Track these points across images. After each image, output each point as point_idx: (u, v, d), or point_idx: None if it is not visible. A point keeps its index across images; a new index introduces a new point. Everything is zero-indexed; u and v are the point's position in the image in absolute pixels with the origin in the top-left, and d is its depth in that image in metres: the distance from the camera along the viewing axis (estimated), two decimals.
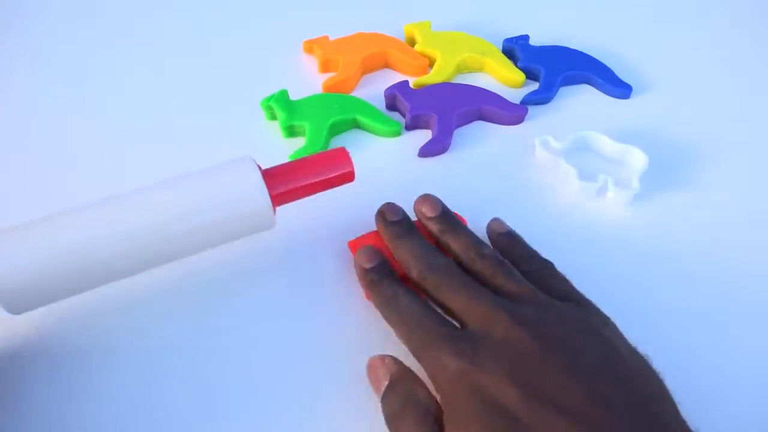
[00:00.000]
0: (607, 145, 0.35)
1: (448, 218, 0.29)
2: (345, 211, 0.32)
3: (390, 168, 0.36)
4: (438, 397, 0.22)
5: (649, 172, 0.34)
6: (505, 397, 0.20)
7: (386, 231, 0.29)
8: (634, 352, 0.23)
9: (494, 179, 0.35)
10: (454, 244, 0.28)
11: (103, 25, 0.49)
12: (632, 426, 0.19)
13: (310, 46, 0.44)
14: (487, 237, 0.30)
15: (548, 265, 0.27)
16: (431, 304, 0.25)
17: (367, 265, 0.28)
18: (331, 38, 0.44)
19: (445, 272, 0.26)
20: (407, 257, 0.27)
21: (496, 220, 0.31)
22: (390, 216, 0.29)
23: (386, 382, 0.23)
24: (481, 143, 0.38)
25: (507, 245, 0.29)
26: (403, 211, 0.30)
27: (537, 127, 0.38)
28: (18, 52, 0.46)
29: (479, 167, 0.36)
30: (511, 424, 0.19)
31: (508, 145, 0.37)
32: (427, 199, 0.30)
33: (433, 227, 0.29)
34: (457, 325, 0.24)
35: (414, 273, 0.26)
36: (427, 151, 0.36)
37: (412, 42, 0.45)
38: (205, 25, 0.49)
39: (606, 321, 0.24)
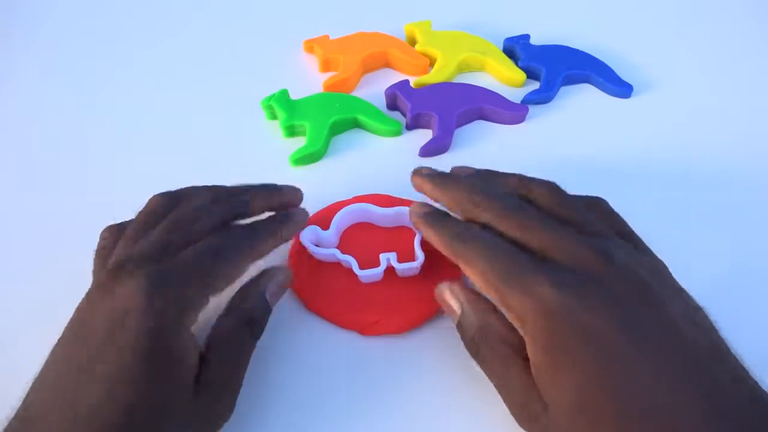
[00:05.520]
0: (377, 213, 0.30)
1: (487, 170, 0.27)
2: None
3: (390, 167, 0.36)
4: (524, 329, 0.21)
5: (651, 170, 0.34)
6: (615, 343, 0.19)
7: (427, 179, 0.27)
8: (698, 304, 0.22)
9: None
10: (505, 184, 0.26)
11: (104, 25, 0.49)
12: (723, 375, 0.19)
13: (310, 46, 0.44)
14: None
15: (603, 204, 0.26)
16: None
17: (424, 209, 0.26)
18: (331, 38, 0.44)
19: (508, 199, 0.24)
20: (458, 193, 0.25)
21: None
22: (426, 170, 0.28)
23: (459, 311, 0.23)
24: (482, 143, 0.38)
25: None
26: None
27: (538, 127, 0.38)
28: (21, 58, 0.46)
29: (479, 166, 0.36)
30: (622, 374, 0.19)
31: (509, 144, 0.37)
32: (459, 167, 0.29)
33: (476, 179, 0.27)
34: None
35: (470, 206, 0.24)
36: (427, 151, 0.36)
37: (412, 41, 0.45)
38: (206, 25, 0.49)
39: (667, 269, 0.24)
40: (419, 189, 0.28)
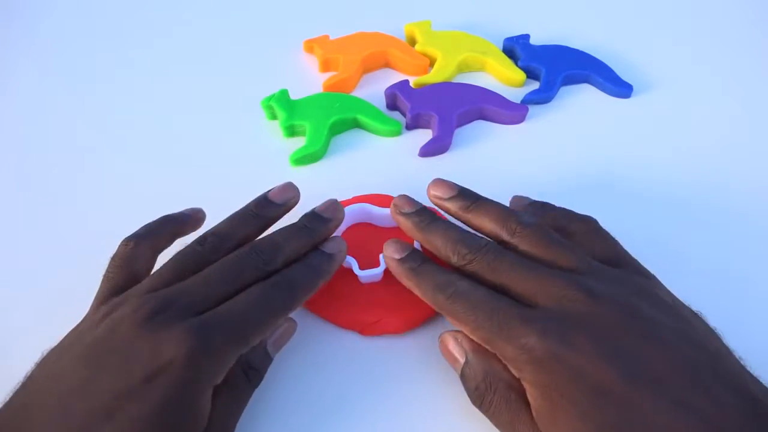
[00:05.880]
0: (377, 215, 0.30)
1: (469, 193, 0.27)
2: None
3: (390, 167, 0.36)
4: (521, 377, 0.21)
5: (650, 170, 0.34)
6: (604, 377, 0.19)
7: (409, 222, 0.26)
8: (692, 313, 0.23)
9: (494, 179, 0.35)
10: (486, 217, 0.25)
11: (104, 25, 0.49)
12: (721, 391, 0.19)
13: (310, 46, 0.44)
14: None
15: (592, 223, 0.26)
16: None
17: (399, 255, 0.25)
18: (331, 38, 0.44)
19: (491, 251, 0.24)
20: (442, 243, 0.25)
21: (516, 197, 0.29)
22: (408, 207, 0.27)
23: (463, 360, 0.23)
24: (482, 143, 0.38)
25: (539, 210, 0.27)
26: (418, 202, 0.28)
27: (538, 127, 0.38)
28: (22, 58, 0.46)
29: (479, 167, 0.36)
30: (616, 410, 0.19)
31: (509, 144, 0.37)
32: (439, 181, 0.28)
33: (455, 206, 0.26)
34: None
35: (455, 257, 0.24)
36: (427, 151, 0.36)
37: (412, 41, 0.45)
38: (206, 26, 0.49)
39: (658, 283, 0.24)
40: (400, 226, 0.27)
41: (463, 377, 0.23)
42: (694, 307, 0.23)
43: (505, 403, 0.22)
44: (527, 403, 0.21)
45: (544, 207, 0.28)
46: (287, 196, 0.28)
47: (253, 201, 0.27)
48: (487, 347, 0.23)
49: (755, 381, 0.20)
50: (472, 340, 0.24)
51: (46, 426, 0.19)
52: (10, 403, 0.20)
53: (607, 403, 0.19)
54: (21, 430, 0.19)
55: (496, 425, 0.22)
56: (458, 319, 0.23)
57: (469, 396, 0.23)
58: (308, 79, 0.42)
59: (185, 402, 0.20)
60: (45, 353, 0.22)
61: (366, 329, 0.27)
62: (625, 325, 0.21)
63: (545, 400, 0.20)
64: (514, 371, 0.22)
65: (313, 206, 0.28)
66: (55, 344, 0.23)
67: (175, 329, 0.20)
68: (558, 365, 0.20)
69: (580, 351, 0.20)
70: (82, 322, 0.24)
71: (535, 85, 0.41)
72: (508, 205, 0.27)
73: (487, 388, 0.22)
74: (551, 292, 0.22)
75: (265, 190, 0.28)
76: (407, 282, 0.25)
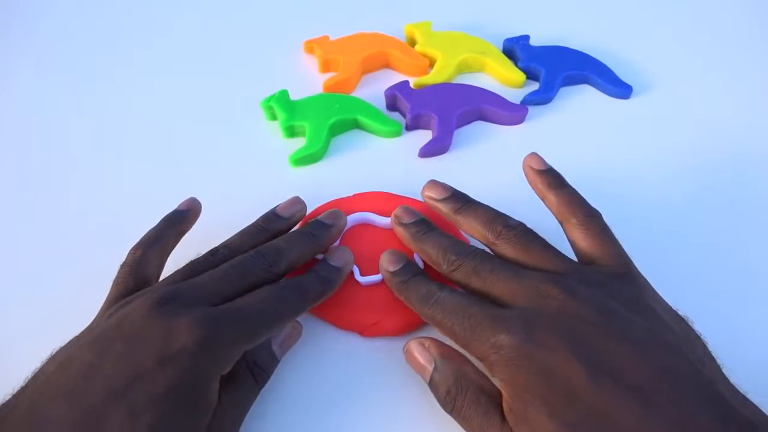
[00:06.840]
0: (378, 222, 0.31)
1: (461, 196, 0.28)
2: None
3: (390, 168, 0.36)
4: (496, 382, 0.22)
5: (650, 171, 0.34)
6: (572, 375, 0.19)
7: (406, 232, 0.27)
8: (677, 318, 0.23)
9: (494, 179, 0.35)
10: (475, 219, 0.26)
11: (104, 25, 0.49)
12: (693, 397, 0.19)
13: (310, 46, 0.44)
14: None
15: (596, 217, 0.26)
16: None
17: (393, 268, 0.26)
18: (331, 38, 0.44)
19: (478, 257, 0.25)
20: (434, 251, 0.26)
21: (533, 154, 0.29)
22: (407, 218, 0.28)
23: (431, 366, 0.23)
24: (481, 143, 0.38)
25: (549, 185, 0.27)
26: (418, 212, 0.28)
27: (537, 128, 0.38)
28: (20, 56, 0.46)
29: (479, 167, 0.36)
30: (585, 409, 0.19)
31: (509, 145, 0.37)
32: (434, 182, 0.29)
33: (447, 207, 0.27)
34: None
35: (445, 265, 0.25)
36: (427, 151, 0.36)
37: (412, 42, 0.45)
38: (206, 26, 0.49)
39: (645, 286, 0.24)
40: (398, 236, 0.28)
41: (432, 384, 0.23)
42: (686, 311, 0.23)
43: (475, 406, 0.22)
44: (497, 407, 0.21)
45: (558, 182, 0.28)
46: (294, 210, 0.29)
47: (261, 216, 0.28)
48: (465, 352, 0.23)
49: (733, 390, 0.20)
50: (440, 346, 0.24)
51: (55, 408, 0.19)
52: (20, 392, 0.21)
53: (576, 402, 0.19)
54: (30, 413, 0.19)
55: (468, 429, 0.22)
56: (439, 327, 0.24)
57: (440, 402, 0.23)
58: (308, 80, 0.42)
59: (195, 388, 0.20)
60: (54, 351, 0.23)
61: (366, 330, 0.27)
62: (599, 325, 0.21)
63: (517, 397, 0.20)
64: (488, 372, 0.22)
65: (313, 206, 0.28)
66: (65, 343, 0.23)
67: (186, 317, 0.21)
68: (528, 362, 0.20)
69: (549, 348, 0.20)
70: (91, 323, 0.24)
71: (534, 86, 0.41)
72: (503, 209, 0.27)
73: (458, 391, 0.22)
74: (526, 291, 0.22)
75: (272, 204, 0.29)
76: (398, 295, 0.26)
